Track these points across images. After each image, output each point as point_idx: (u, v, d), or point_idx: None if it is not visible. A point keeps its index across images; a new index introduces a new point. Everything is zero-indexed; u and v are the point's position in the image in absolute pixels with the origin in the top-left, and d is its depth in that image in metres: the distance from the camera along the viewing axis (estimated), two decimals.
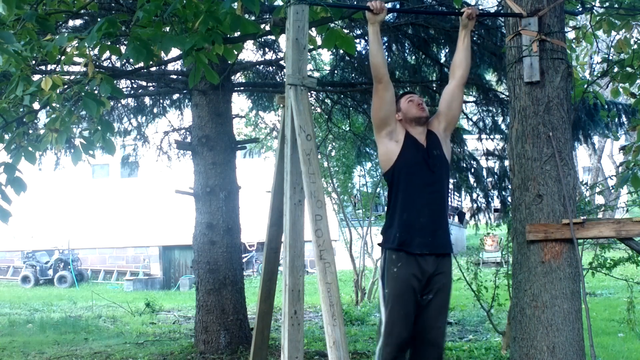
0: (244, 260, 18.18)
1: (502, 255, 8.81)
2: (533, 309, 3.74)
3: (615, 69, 5.64)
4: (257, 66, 9.82)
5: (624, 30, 5.69)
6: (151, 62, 5.47)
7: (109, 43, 4.63)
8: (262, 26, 5.83)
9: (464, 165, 9.09)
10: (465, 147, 9.36)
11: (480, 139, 8.99)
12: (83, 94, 4.42)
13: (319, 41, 5.24)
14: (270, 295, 4.09)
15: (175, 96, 10.60)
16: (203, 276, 7.86)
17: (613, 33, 5.87)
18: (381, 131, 3.86)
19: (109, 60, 8.56)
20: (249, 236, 16.72)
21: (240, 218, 8.19)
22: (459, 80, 4.01)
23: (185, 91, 9.34)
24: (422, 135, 3.90)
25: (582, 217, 3.87)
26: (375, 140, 4.06)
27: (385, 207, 3.88)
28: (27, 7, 4.43)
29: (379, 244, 3.94)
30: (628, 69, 5.47)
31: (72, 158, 4.91)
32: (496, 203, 9.64)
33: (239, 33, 4.73)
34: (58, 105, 4.74)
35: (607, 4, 5.64)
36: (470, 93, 8.77)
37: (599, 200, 15.02)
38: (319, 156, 10.26)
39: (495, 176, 9.02)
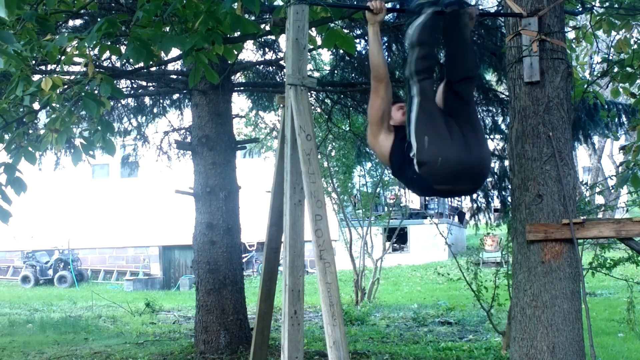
0: (244, 260, 18.20)
1: (502, 255, 8.81)
2: (533, 309, 3.74)
3: (615, 69, 5.65)
4: (257, 66, 9.82)
5: (624, 30, 5.69)
6: (151, 62, 5.46)
7: (109, 43, 4.63)
8: (262, 26, 5.83)
9: None
10: None
11: None
12: (83, 94, 4.42)
13: (319, 41, 5.24)
14: (270, 295, 4.09)
15: (175, 96, 10.60)
16: (203, 276, 7.86)
17: (613, 33, 5.87)
18: (377, 130, 3.83)
19: (109, 60, 8.56)
20: (249, 236, 16.75)
21: (240, 218, 8.19)
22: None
23: (185, 91, 9.34)
24: None
25: (582, 217, 3.87)
26: (369, 145, 4.01)
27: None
28: (27, 7, 4.43)
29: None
30: (628, 69, 5.47)
31: (72, 158, 4.91)
32: (496, 203, 9.64)
33: (239, 33, 4.74)
34: (58, 106, 4.74)
35: (607, 4, 5.64)
36: None
37: (599, 200, 15.02)
38: (319, 156, 10.25)
39: (495, 176, 9.01)
